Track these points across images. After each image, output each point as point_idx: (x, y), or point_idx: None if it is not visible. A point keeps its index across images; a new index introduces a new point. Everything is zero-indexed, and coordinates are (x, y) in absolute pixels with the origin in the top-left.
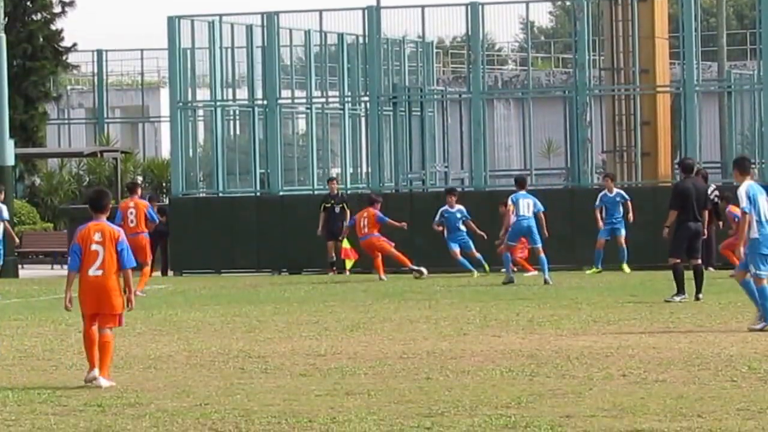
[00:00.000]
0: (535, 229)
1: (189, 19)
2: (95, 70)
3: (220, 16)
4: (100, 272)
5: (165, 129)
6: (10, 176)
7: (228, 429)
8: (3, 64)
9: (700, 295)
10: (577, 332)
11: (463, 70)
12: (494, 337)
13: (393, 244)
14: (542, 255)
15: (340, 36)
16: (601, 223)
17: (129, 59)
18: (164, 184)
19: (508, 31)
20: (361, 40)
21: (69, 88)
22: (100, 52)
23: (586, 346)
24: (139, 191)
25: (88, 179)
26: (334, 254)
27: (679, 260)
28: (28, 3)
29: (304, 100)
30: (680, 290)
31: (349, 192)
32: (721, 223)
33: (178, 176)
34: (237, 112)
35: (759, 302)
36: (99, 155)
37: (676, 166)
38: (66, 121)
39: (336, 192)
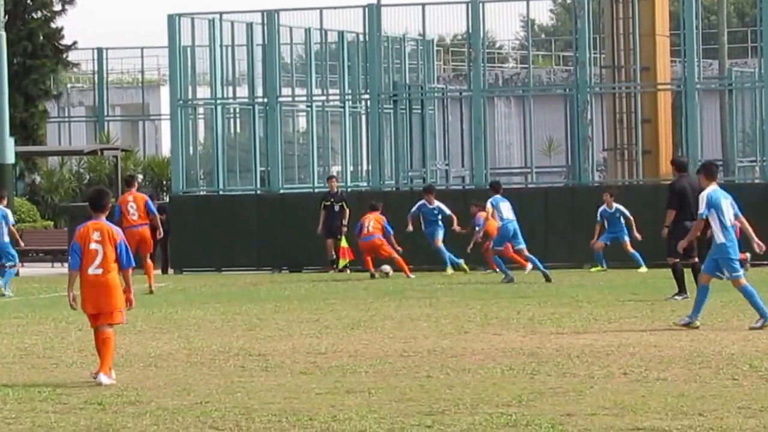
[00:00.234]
0: (519, 231)
1: (189, 17)
2: (95, 68)
3: (221, 14)
4: (99, 271)
5: (165, 127)
6: (11, 174)
7: (228, 427)
8: (3, 62)
9: None
10: (578, 330)
11: (464, 67)
12: (495, 336)
13: (399, 250)
14: (528, 254)
15: (341, 34)
16: (596, 238)
17: (129, 57)
18: (165, 182)
19: (509, 28)
20: (361, 37)
21: (69, 86)
22: (100, 50)
23: (587, 344)
24: (137, 184)
25: (88, 177)
26: (333, 252)
27: (678, 259)
28: (29, 1)
29: (304, 98)
30: (681, 289)
31: (349, 190)
32: None
33: (178, 174)
34: (237, 110)
35: (749, 301)
36: (99, 153)
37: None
38: (66, 119)
39: (336, 190)
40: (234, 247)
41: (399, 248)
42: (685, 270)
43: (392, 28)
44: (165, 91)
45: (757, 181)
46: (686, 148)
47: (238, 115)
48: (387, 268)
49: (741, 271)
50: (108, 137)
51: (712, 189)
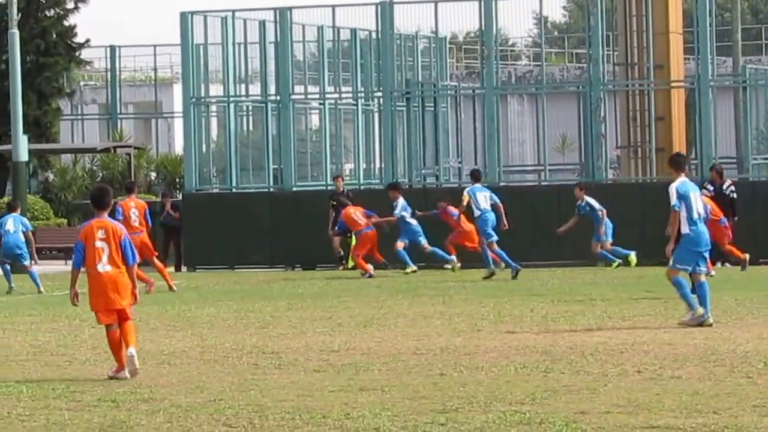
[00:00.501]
0: (495, 223)
1: (202, 15)
2: (108, 66)
3: (233, 11)
4: (109, 267)
5: (178, 125)
6: (24, 172)
7: (242, 425)
8: (16, 60)
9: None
10: (591, 328)
11: (477, 65)
12: (508, 333)
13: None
14: (497, 248)
15: (353, 31)
16: (563, 228)
17: (142, 55)
18: (177, 180)
19: (522, 26)
20: (374, 35)
21: (82, 84)
22: (113, 48)
23: (601, 342)
24: (137, 190)
25: (101, 175)
26: (340, 249)
27: None
28: None
29: (317, 96)
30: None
31: (362, 188)
32: (737, 218)
33: (191, 172)
34: (250, 107)
35: (699, 297)
36: (112, 151)
37: (693, 160)
38: (79, 117)
39: (342, 189)
40: (247, 244)
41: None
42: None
43: (405, 25)
44: (178, 89)
45: None
46: (700, 146)
47: (250, 113)
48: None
49: (689, 267)
50: (121, 135)
51: (681, 181)
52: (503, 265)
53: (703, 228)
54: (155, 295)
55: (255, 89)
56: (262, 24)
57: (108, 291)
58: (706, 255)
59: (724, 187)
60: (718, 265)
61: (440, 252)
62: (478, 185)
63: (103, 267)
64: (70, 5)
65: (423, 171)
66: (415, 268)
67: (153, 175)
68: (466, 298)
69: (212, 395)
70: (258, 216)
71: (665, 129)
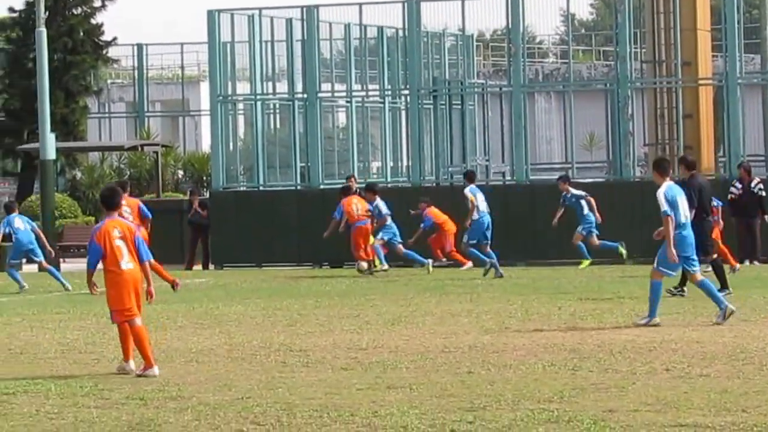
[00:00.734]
0: (491, 226)
1: (229, 13)
2: (135, 64)
3: (260, 9)
4: (132, 265)
5: (205, 123)
6: (52, 170)
7: (270, 422)
8: (44, 59)
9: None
10: (619, 326)
11: (504, 63)
12: (536, 331)
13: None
14: (489, 251)
15: (380, 29)
16: (555, 221)
17: (169, 53)
18: (205, 178)
19: (549, 23)
20: (401, 33)
21: (109, 81)
22: (140, 46)
23: (629, 340)
24: (129, 189)
25: (128, 173)
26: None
27: (715, 255)
28: None
29: (344, 94)
30: (724, 285)
31: (389, 186)
32: (767, 216)
33: (218, 170)
34: (277, 105)
35: (650, 296)
36: (140, 149)
37: (721, 158)
38: (107, 115)
39: (355, 188)
40: (274, 242)
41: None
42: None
43: (432, 23)
44: (205, 87)
45: None
46: (728, 144)
47: (277, 111)
48: (364, 265)
49: (673, 272)
50: (148, 133)
51: (668, 185)
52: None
53: (687, 232)
54: (180, 293)
55: (282, 87)
56: (289, 22)
57: (131, 288)
58: (693, 256)
59: (753, 184)
60: (755, 263)
61: (414, 254)
62: (474, 186)
63: (126, 264)
64: (97, 3)
65: (450, 169)
66: (387, 267)
67: (180, 173)
68: (493, 296)
69: (240, 393)
70: (285, 214)
71: (693, 126)
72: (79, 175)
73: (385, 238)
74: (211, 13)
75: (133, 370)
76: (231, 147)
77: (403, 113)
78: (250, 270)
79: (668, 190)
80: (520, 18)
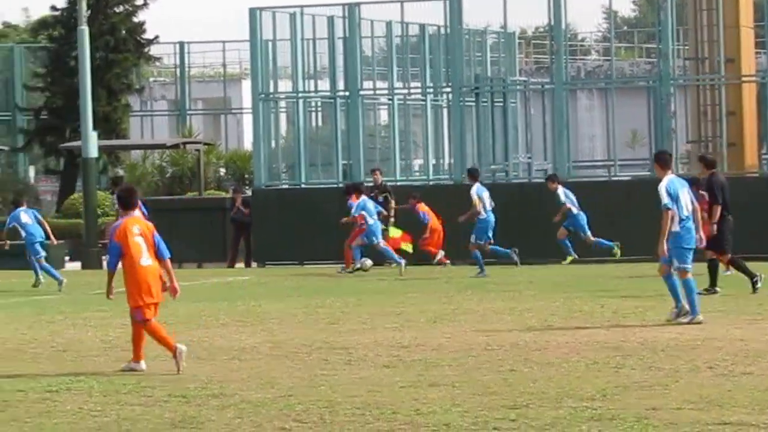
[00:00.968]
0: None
1: (271, 11)
2: (177, 62)
3: (302, 7)
4: (150, 261)
5: (247, 121)
6: (94, 168)
7: (312, 420)
8: (86, 57)
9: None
10: (662, 324)
11: (546, 60)
12: (579, 329)
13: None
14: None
15: (422, 27)
16: (558, 217)
17: (211, 51)
18: (247, 176)
19: (591, 20)
20: (442, 30)
21: (151, 80)
22: (182, 44)
23: (672, 338)
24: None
25: (170, 171)
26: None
27: (727, 253)
28: None
29: (386, 92)
30: (751, 275)
31: (431, 183)
32: None
33: (260, 168)
34: (319, 103)
35: (687, 295)
36: (182, 147)
37: (765, 155)
38: (149, 113)
39: (380, 182)
40: (316, 240)
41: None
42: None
43: (474, 20)
44: (247, 85)
45: None
46: None
47: (319, 109)
48: (369, 262)
49: (689, 264)
50: (190, 131)
51: (669, 179)
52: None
53: (690, 225)
54: (223, 291)
55: (324, 85)
56: (331, 20)
57: (151, 285)
58: (692, 252)
59: None
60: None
61: (390, 252)
62: (479, 185)
63: (146, 261)
64: (139, 2)
65: (492, 166)
66: (360, 265)
67: (222, 171)
68: (535, 294)
69: (282, 391)
70: (327, 211)
71: (736, 124)
72: (121, 173)
73: (365, 239)
74: (253, 11)
75: (144, 370)
76: (273, 145)
77: (445, 111)
78: (292, 268)
79: (670, 183)
80: (562, 15)
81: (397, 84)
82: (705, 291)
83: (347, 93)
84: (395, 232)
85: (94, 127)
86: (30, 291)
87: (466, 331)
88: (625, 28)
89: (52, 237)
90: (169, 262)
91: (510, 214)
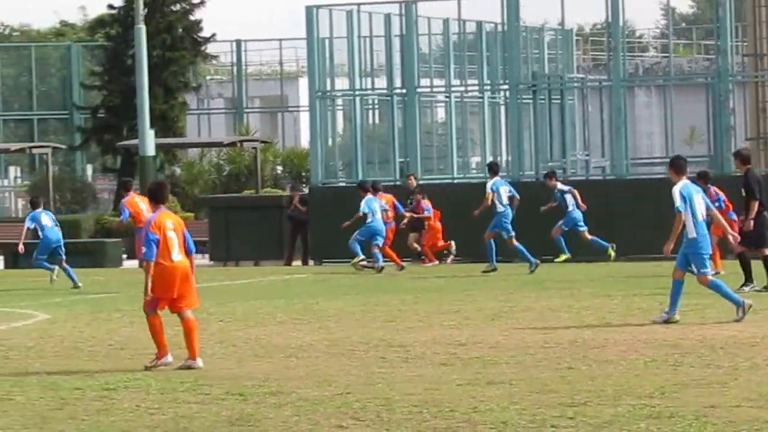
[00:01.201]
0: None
1: (327, 9)
2: (234, 60)
3: (359, 5)
4: (181, 257)
5: (304, 118)
6: (151, 166)
7: (369, 418)
8: (143, 55)
9: None
10: (721, 321)
11: (604, 57)
12: (637, 327)
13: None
14: (516, 243)
15: (479, 24)
16: (544, 208)
17: (268, 49)
18: (303, 174)
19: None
20: (500, 27)
21: (208, 78)
22: (239, 42)
23: (731, 335)
24: (132, 188)
25: (227, 169)
26: (417, 246)
27: (746, 248)
28: None
29: (443, 89)
30: (748, 279)
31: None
32: None
33: (317, 166)
34: (376, 101)
35: (721, 294)
36: (239, 145)
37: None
38: (205, 111)
39: (414, 186)
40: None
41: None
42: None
43: (531, 17)
44: (304, 83)
45: None
46: None
47: (376, 106)
48: (364, 262)
49: (709, 268)
50: (247, 129)
51: (683, 183)
52: (488, 261)
53: (706, 230)
54: (280, 289)
55: (381, 82)
56: (388, 17)
57: (178, 280)
58: (708, 257)
59: None
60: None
61: (378, 254)
62: (498, 179)
63: (177, 256)
64: (195, 0)
65: (550, 164)
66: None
67: (279, 169)
68: (593, 291)
69: (339, 388)
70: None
71: None
72: (178, 171)
73: (364, 238)
74: (309, 9)
75: (171, 362)
76: (330, 143)
77: (503, 108)
78: (349, 265)
79: (684, 187)
80: (620, 12)
81: (454, 81)
82: (764, 288)
83: (404, 91)
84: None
85: (151, 126)
86: (86, 289)
87: (523, 328)
88: (684, 24)
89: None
90: (193, 257)
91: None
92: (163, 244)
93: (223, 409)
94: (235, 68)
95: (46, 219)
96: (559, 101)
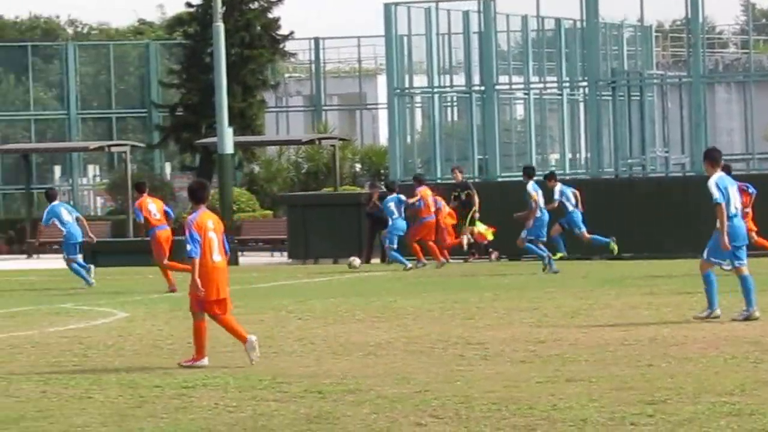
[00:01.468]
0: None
1: (405, 6)
2: (312, 58)
3: (437, 2)
4: (220, 258)
5: (382, 116)
6: (230, 164)
7: (448, 416)
8: (221, 53)
9: None
10: None
11: (683, 53)
12: (717, 324)
13: None
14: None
15: (558, 21)
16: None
17: (346, 47)
18: (382, 171)
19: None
20: (578, 24)
21: (286, 76)
22: (317, 40)
23: None
24: (146, 190)
25: (306, 167)
26: (468, 239)
27: None
28: None
29: (521, 86)
30: None
31: (567, 178)
32: None
33: (395, 163)
34: (454, 98)
35: (743, 291)
36: (317, 143)
37: None
38: (284, 109)
39: (461, 180)
40: None
41: None
42: None
43: (610, 13)
44: (382, 80)
45: None
46: None
47: (455, 103)
48: (357, 261)
49: (744, 260)
50: (325, 127)
51: (719, 176)
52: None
53: (739, 222)
54: (358, 287)
55: (459, 80)
56: (466, 14)
57: (219, 281)
58: (744, 248)
59: None
60: None
61: (398, 256)
62: (534, 182)
63: (217, 257)
64: None
65: (629, 161)
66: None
67: (357, 166)
68: (673, 288)
69: (418, 386)
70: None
71: None
72: (256, 169)
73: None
74: (388, 7)
75: (206, 366)
76: (408, 140)
77: (582, 105)
78: (427, 263)
79: (719, 180)
80: (699, 8)
81: (533, 78)
82: None
83: (483, 88)
84: (480, 227)
85: (230, 124)
86: (164, 287)
87: (603, 326)
88: (764, 20)
89: (91, 235)
90: (228, 257)
91: (648, 209)
92: (205, 244)
93: (302, 407)
94: (313, 66)
95: (66, 214)
96: (638, 98)
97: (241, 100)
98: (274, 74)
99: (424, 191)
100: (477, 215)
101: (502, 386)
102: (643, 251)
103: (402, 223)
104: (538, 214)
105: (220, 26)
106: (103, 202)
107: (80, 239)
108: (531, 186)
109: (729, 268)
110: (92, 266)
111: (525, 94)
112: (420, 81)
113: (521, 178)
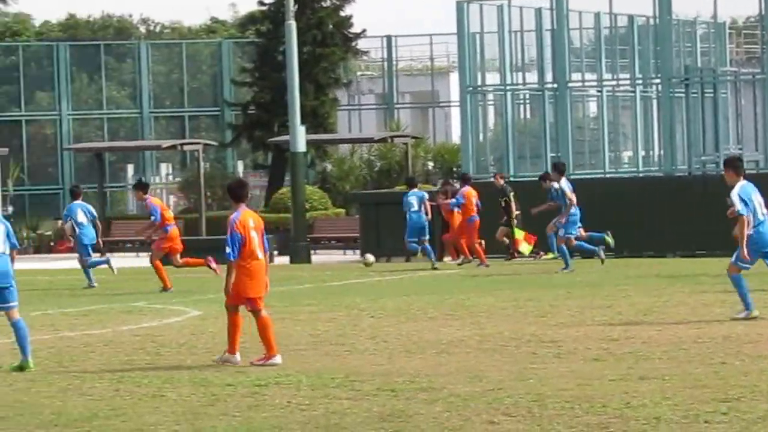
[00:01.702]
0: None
1: (478, 4)
2: (385, 56)
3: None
4: (262, 256)
5: (455, 114)
6: (302, 162)
7: (521, 414)
8: (293, 52)
9: None
10: None
11: (757, 50)
12: None
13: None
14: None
15: (631, 18)
16: (540, 209)
17: (418, 44)
18: (455, 169)
19: None
20: (651, 21)
21: (359, 74)
22: (389, 38)
23: None
24: (149, 190)
25: (378, 165)
26: (507, 240)
27: None
28: None
29: (594, 83)
30: None
31: (641, 175)
32: None
33: (468, 161)
34: (527, 95)
35: (738, 292)
36: (389, 141)
37: None
38: (356, 107)
39: (501, 185)
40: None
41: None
42: None
43: (683, 10)
44: (454, 78)
45: None
46: None
47: (527, 101)
48: (371, 258)
49: (747, 265)
50: (398, 125)
51: (741, 185)
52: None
53: (765, 228)
54: (431, 284)
55: (532, 77)
56: (539, 11)
57: (261, 277)
58: None
59: None
60: None
61: (429, 249)
62: (566, 179)
63: (260, 254)
64: None
65: (702, 158)
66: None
67: (430, 164)
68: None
69: (491, 384)
70: (534, 204)
71: None
72: (329, 167)
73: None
74: (460, 4)
75: (239, 362)
76: (481, 138)
77: (655, 102)
78: (500, 261)
79: (742, 189)
80: None
81: (606, 75)
82: None
83: (555, 85)
84: (518, 234)
85: (302, 122)
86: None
87: (676, 323)
88: None
89: (100, 240)
90: (267, 255)
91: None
92: (247, 243)
93: (374, 405)
94: (385, 64)
95: (82, 216)
96: (712, 95)
97: (313, 98)
98: (346, 72)
99: (469, 191)
100: (515, 222)
101: (575, 384)
102: (716, 249)
103: (419, 217)
104: (573, 210)
105: (292, 24)
106: (176, 201)
107: (93, 240)
108: (566, 184)
109: None
110: (109, 258)
111: (598, 91)
112: (492, 78)
113: (595, 176)
